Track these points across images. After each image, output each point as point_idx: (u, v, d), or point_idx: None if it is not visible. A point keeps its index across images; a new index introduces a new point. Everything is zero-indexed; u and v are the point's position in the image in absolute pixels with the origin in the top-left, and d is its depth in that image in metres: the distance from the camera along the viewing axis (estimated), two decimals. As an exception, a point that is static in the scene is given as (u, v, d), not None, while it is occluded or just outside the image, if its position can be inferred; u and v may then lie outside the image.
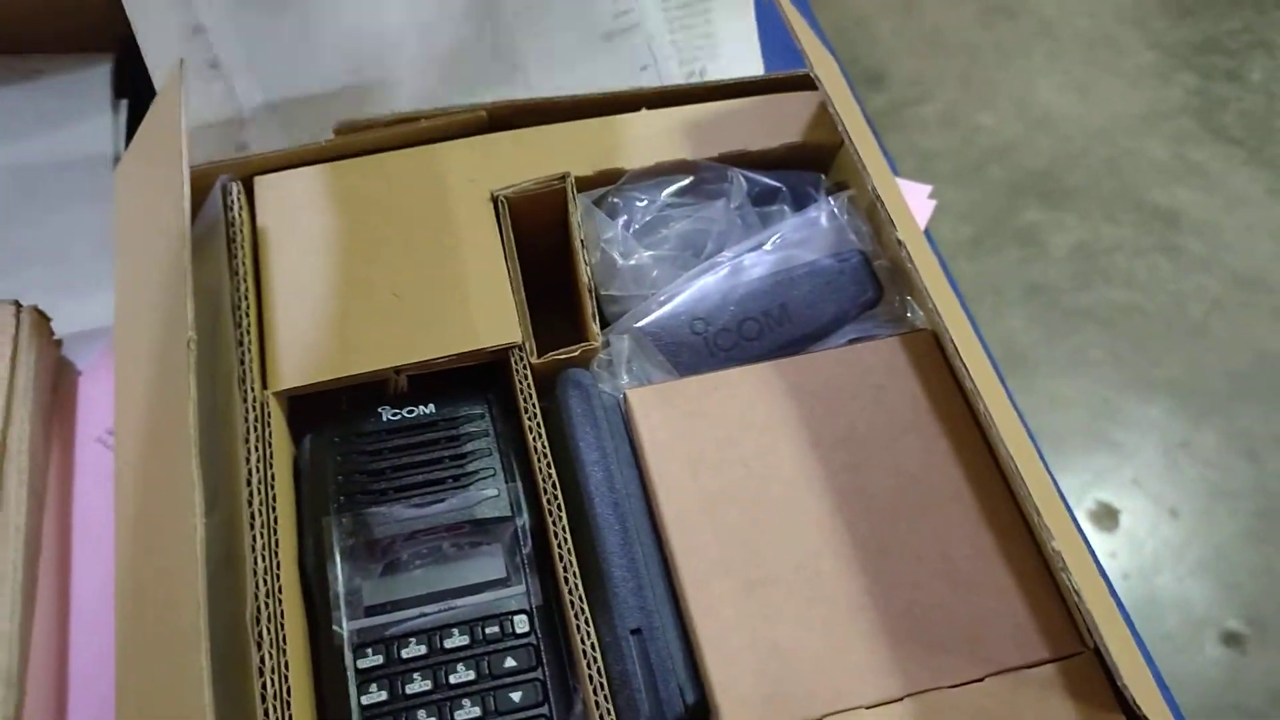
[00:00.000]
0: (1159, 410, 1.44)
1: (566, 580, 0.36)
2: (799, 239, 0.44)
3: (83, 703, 0.42)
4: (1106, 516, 1.33)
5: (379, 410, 0.41)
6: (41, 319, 0.47)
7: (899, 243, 0.37)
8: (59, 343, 0.48)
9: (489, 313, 0.41)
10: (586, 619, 0.36)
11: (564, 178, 0.44)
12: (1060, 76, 1.71)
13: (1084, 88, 1.71)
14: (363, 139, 0.45)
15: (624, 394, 0.40)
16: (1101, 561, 0.30)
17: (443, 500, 0.39)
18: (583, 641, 0.35)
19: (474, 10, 0.54)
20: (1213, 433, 1.43)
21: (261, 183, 0.44)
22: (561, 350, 0.41)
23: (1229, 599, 1.24)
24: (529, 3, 0.55)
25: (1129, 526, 1.31)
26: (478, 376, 0.42)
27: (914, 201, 0.43)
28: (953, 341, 0.35)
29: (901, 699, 0.34)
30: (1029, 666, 0.35)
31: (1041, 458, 0.36)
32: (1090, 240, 1.57)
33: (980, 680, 0.35)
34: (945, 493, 0.38)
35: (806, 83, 0.48)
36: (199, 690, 0.28)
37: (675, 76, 0.58)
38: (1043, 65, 1.72)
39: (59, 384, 0.48)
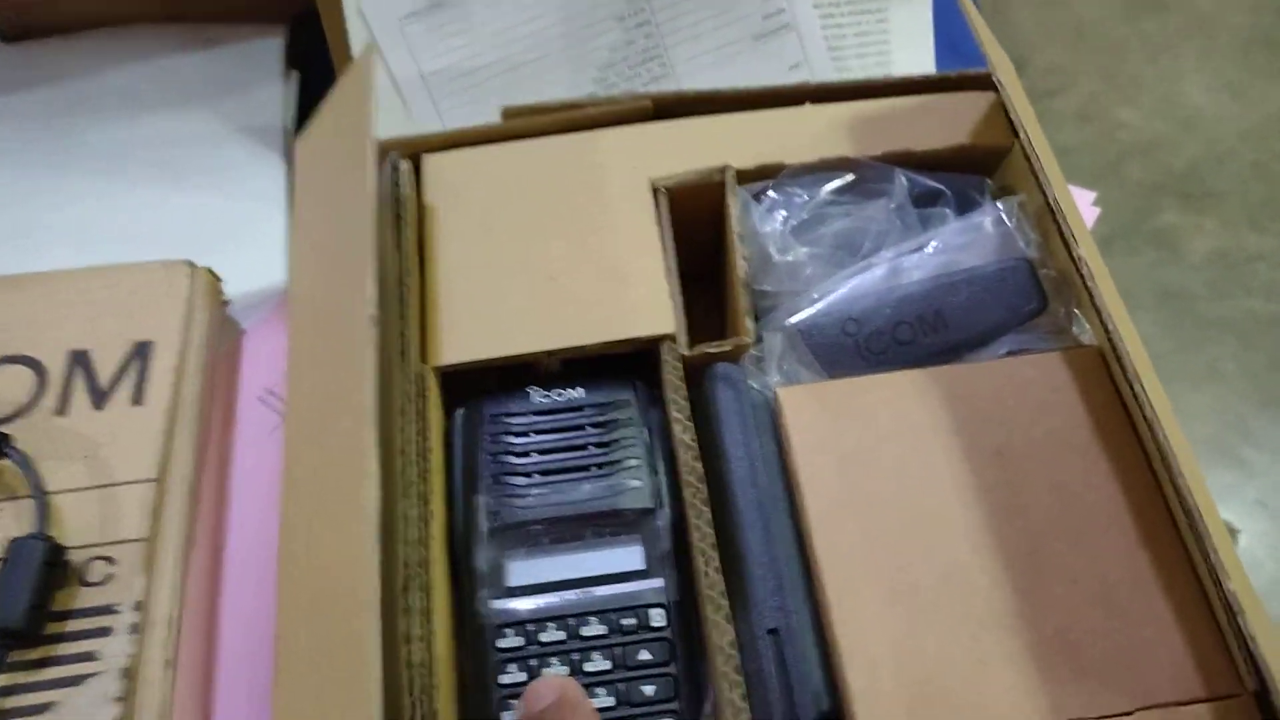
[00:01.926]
0: (1294, 431, 1.37)
1: (706, 575, 0.36)
2: (961, 243, 0.43)
3: (230, 647, 0.44)
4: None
5: (528, 390, 0.42)
6: (213, 280, 0.49)
7: (1079, 259, 0.36)
8: (226, 303, 0.50)
9: (643, 301, 0.42)
10: (725, 614, 0.36)
11: (724, 170, 0.44)
12: (1211, 75, 1.63)
13: (1237, 88, 1.62)
14: (529, 123, 0.46)
15: (775, 392, 0.40)
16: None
17: (587, 487, 0.39)
18: (720, 637, 0.35)
19: (627, 14, 0.55)
20: (1349, 457, 1.36)
21: (429, 161, 0.45)
22: (713, 344, 0.41)
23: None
24: (679, 8, 0.55)
25: (1249, 547, 1.26)
26: (624, 364, 0.43)
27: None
28: (1132, 365, 0.34)
29: (1048, 725, 0.34)
30: (1182, 704, 0.34)
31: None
32: (1231, 248, 1.50)
33: (1129, 714, 0.34)
34: (1104, 516, 0.37)
35: (973, 83, 0.47)
36: (367, 659, 0.30)
37: (828, 74, 0.57)
38: (1193, 63, 1.64)
39: (224, 342, 0.50)
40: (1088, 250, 0.37)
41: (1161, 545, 0.36)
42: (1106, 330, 0.36)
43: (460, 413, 0.42)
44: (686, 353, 0.41)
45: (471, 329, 0.41)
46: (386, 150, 0.45)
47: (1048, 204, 0.41)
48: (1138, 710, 0.34)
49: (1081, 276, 0.38)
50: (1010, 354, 0.42)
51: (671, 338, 0.41)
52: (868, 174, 0.45)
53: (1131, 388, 0.36)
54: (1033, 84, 1.53)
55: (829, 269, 0.44)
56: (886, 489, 0.38)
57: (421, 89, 0.53)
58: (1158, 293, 1.48)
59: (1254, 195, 1.59)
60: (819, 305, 0.43)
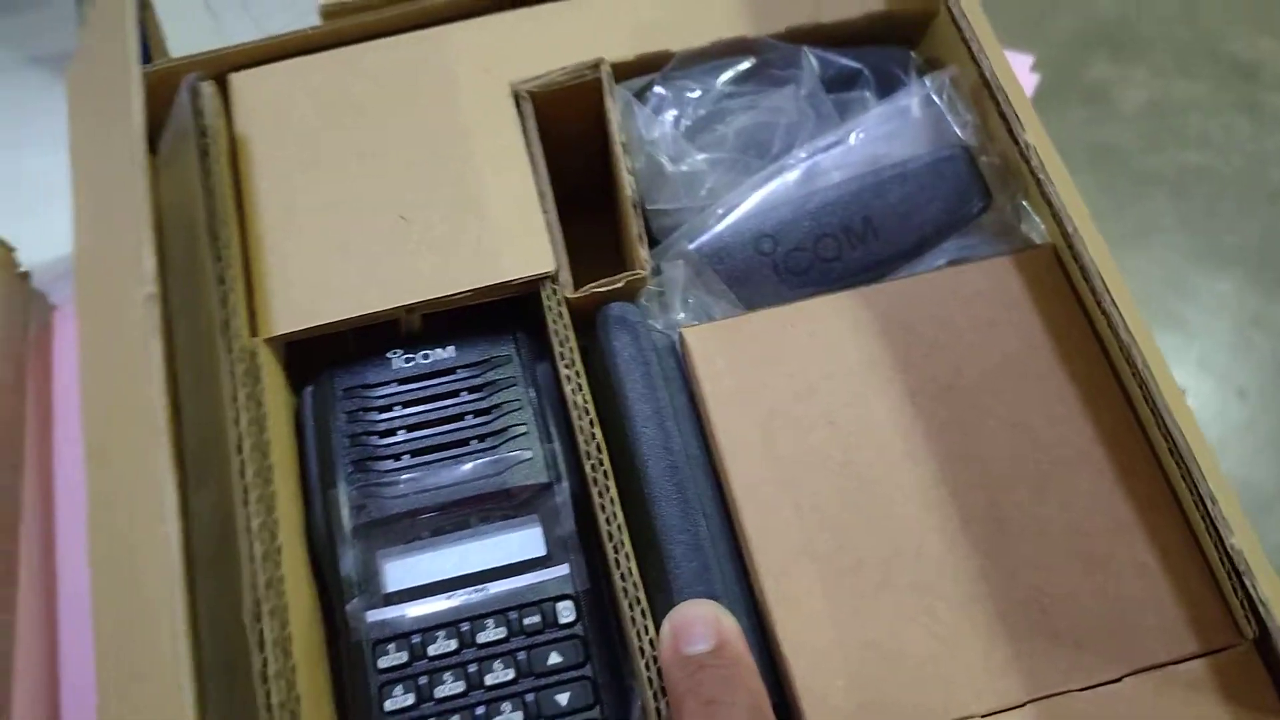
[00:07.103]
0: (1230, 284, 1.35)
1: (617, 563, 0.30)
2: (886, 133, 0.36)
3: (71, 657, 0.37)
4: (1171, 396, 1.27)
5: (389, 355, 0.35)
6: (3, 250, 0.41)
7: (1025, 145, 0.30)
8: (26, 275, 0.42)
9: (514, 236, 0.35)
10: (643, 609, 0.30)
11: (597, 65, 0.37)
12: (1133, -86, 1.55)
13: (1160, -74, 1.55)
14: (355, 23, 0.37)
15: (679, 333, 0.34)
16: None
17: (469, 464, 0.33)
18: (639, 637, 0.30)
19: None
20: (1289, 305, 1.35)
21: (238, 81, 0.37)
22: (603, 281, 0.34)
23: (1298, 478, 1.18)
24: None
25: (1193, 410, 1.25)
26: (501, 312, 0.36)
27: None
28: (1093, 264, 0.28)
29: (1023, 705, 0.29)
30: (1175, 662, 0.29)
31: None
32: (1162, 98, 1.45)
33: (1117, 680, 0.29)
34: (1074, 451, 0.31)
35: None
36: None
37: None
38: (1115, -99, 1.56)
39: (30, 322, 0.42)
40: (1034, 133, 0.30)
41: (1141, 482, 0.31)
42: (1063, 231, 0.30)
43: (308, 390, 0.35)
44: (571, 294, 0.34)
45: (308, 287, 0.34)
46: (183, 72, 0.37)
47: (983, 78, 0.34)
48: (1127, 676, 0.29)
49: (1029, 164, 0.32)
50: (952, 263, 0.35)
51: (552, 277, 0.34)
52: (770, 56, 0.38)
53: (1098, 303, 0.30)
54: (952, -64, 1.45)
55: (734, 177, 0.37)
56: (822, 445, 0.31)
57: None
58: (1092, 150, 1.43)
59: (1182, 40, 1.53)
60: (725, 222, 0.36)
